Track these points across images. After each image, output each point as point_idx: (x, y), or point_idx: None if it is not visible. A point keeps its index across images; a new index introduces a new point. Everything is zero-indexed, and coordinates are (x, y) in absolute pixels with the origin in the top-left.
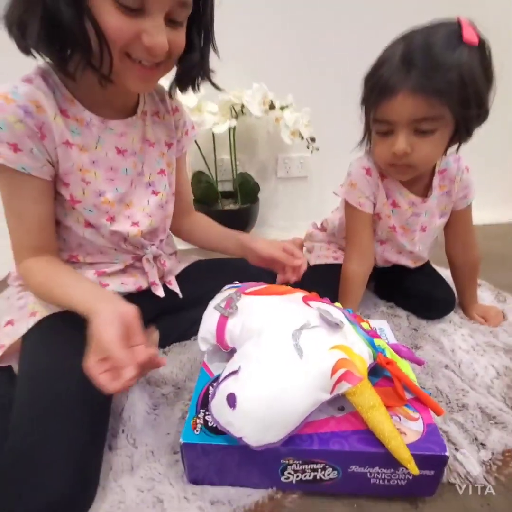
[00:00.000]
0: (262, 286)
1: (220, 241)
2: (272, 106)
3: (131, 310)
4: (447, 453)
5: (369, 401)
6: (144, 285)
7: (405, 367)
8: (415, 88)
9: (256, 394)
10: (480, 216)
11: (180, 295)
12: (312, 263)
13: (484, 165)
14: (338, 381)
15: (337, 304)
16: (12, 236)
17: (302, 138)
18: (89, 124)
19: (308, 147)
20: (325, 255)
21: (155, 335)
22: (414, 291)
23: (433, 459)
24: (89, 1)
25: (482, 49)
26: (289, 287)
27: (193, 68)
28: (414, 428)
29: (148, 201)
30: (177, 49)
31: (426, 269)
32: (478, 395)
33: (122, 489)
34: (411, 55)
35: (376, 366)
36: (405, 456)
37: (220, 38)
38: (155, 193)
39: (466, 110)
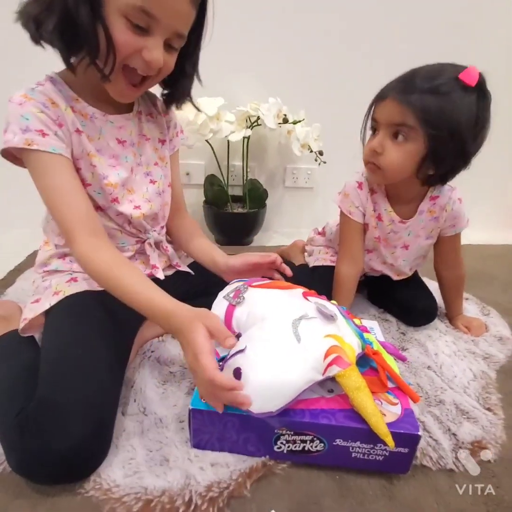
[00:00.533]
0: (267, 281)
1: (198, 253)
2: (285, 120)
3: (212, 321)
4: (419, 433)
5: (355, 383)
6: (149, 269)
7: (390, 360)
8: (397, 97)
9: (260, 369)
10: (476, 236)
11: (192, 272)
12: (311, 265)
13: (483, 191)
14: (330, 364)
15: (333, 301)
16: (60, 216)
17: (311, 151)
18: (92, 117)
19: (316, 160)
20: (323, 258)
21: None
22: (398, 300)
23: (407, 437)
24: (105, 11)
25: (479, 97)
26: (291, 284)
27: (181, 93)
28: (393, 411)
29: (146, 188)
30: (167, 70)
31: (412, 281)
32: (454, 393)
33: (133, 448)
34: (408, 76)
35: (364, 356)
36: (383, 431)
37: (244, 57)
38: (152, 182)
39: (436, 138)
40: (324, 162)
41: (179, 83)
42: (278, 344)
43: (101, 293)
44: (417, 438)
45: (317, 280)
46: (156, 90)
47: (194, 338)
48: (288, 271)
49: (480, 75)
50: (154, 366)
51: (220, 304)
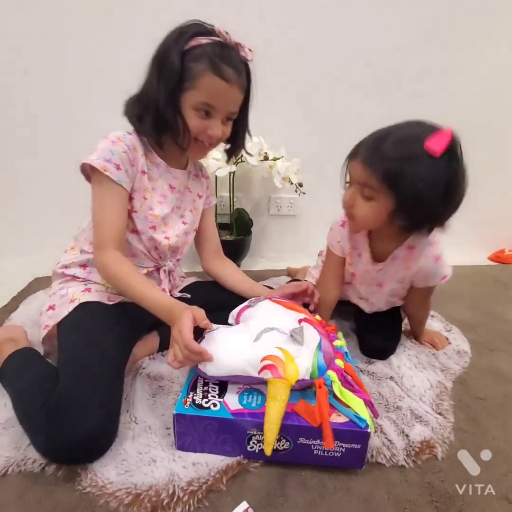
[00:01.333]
0: (286, 300)
1: (248, 294)
2: (266, 157)
3: (199, 312)
4: (369, 430)
5: (274, 393)
6: None
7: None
8: (364, 159)
9: (215, 340)
10: (449, 257)
11: (189, 296)
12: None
13: (455, 216)
14: (265, 367)
15: (317, 317)
16: (99, 231)
17: (292, 183)
18: (158, 166)
19: (296, 191)
20: (315, 277)
21: (155, 339)
22: (359, 331)
23: (358, 434)
24: (182, 108)
25: (449, 161)
26: (303, 309)
27: (238, 148)
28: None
29: (178, 226)
30: (224, 137)
31: (382, 316)
32: (411, 400)
33: (125, 451)
34: (378, 139)
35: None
36: (268, 439)
37: None
38: (184, 223)
39: (401, 200)
40: (304, 193)
41: (236, 142)
42: (238, 335)
43: (109, 306)
44: (367, 434)
45: None
46: None
47: (182, 319)
48: (316, 298)
49: (452, 139)
50: (145, 380)
51: (242, 304)
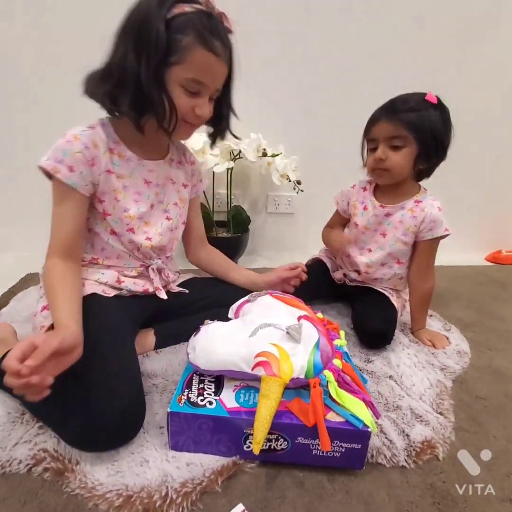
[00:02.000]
0: (287, 296)
1: (239, 281)
2: (264, 154)
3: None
4: (369, 429)
5: (267, 391)
6: (150, 289)
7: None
8: (388, 117)
9: (207, 335)
10: (445, 258)
11: (186, 291)
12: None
13: (454, 217)
14: (258, 364)
15: (319, 315)
16: (51, 236)
17: (290, 180)
18: (129, 160)
19: (294, 189)
20: (317, 254)
21: (151, 337)
22: (357, 321)
23: (358, 434)
24: (168, 86)
25: (441, 110)
26: (305, 306)
27: (223, 129)
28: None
29: (161, 223)
30: (210, 116)
31: (376, 300)
32: (411, 400)
33: (116, 451)
34: (392, 103)
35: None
36: (256, 439)
37: None
38: (168, 218)
39: (423, 139)
40: (302, 191)
41: (221, 122)
42: (233, 330)
43: (106, 298)
44: (367, 434)
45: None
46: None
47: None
48: (303, 276)
49: (437, 96)
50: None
51: (242, 299)
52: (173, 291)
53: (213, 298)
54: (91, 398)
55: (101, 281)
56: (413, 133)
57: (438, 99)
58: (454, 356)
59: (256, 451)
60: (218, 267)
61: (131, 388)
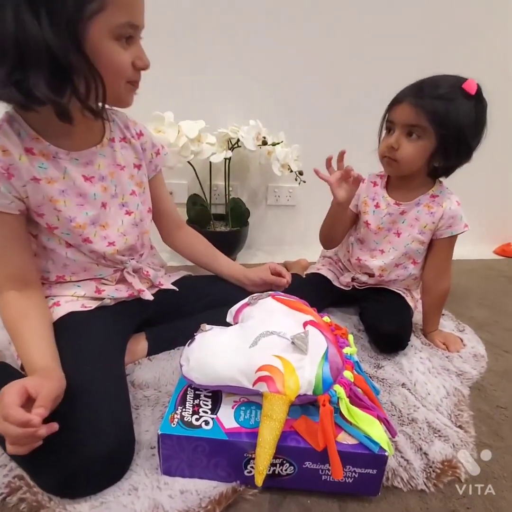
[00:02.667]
0: (292, 298)
1: (221, 272)
2: (264, 142)
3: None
4: (386, 453)
5: (271, 411)
6: (136, 292)
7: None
8: (411, 101)
9: (203, 345)
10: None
11: (176, 289)
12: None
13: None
14: (259, 379)
15: (326, 318)
16: None
17: (291, 171)
18: (56, 157)
19: (296, 179)
20: (315, 267)
21: (143, 344)
22: (370, 323)
23: (375, 458)
24: (92, 45)
25: (477, 103)
26: (311, 310)
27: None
28: None
29: (122, 221)
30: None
31: (389, 301)
32: (427, 411)
33: None
34: (420, 84)
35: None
36: (258, 468)
37: (225, 80)
38: (128, 213)
39: (445, 135)
40: (304, 182)
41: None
42: (232, 339)
43: (86, 313)
44: (384, 459)
45: (297, 284)
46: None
47: (4, 393)
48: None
49: (478, 85)
50: (129, 390)
51: (241, 301)
52: (163, 287)
53: (211, 298)
54: (71, 442)
55: (78, 294)
56: (434, 126)
57: (478, 89)
58: (470, 360)
59: (259, 482)
60: (200, 254)
61: (118, 429)
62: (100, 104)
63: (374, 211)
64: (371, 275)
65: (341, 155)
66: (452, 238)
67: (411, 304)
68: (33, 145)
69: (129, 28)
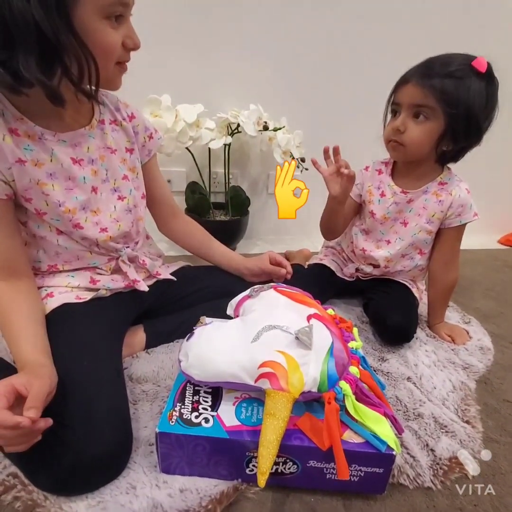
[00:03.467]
0: (295, 290)
1: (218, 260)
2: (266, 127)
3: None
4: (394, 452)
5: (273, 409)
6: (131, 283)
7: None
8: (418, 81)
9: (203, 340)
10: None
11: (174, 279)
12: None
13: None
14: (261, 376)
15: (330, 311)
16: None
17: (293, 158)
18: (42, 138)
19: (298, 167)
20: (317, 257)
21: (141, 336)
22: (376, 314)
23: (382, 457)
24: (82, 25)
25: (488, 82)
26: (315, 303)
27: None
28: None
29: (114, 206)
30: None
31: (396, 292)
32: (433, 406)
33: None
34: (427, 63)
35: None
36: (261, 468)
37: (224, 64)
38: (121, 198)
39: (454, 116)
40: (306, 169)
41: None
42: (233, 333)
43: (81, 305)
44: (391, 458)
45: (300, 274)
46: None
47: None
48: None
49: (488, 63)
50: (126, 385)
51: (242, 293)
52: (161, 278)
53: (210, 289)
54: (67, 440)
55: (73, 285)
56: (443, 106)
57: (489, 68)
58: (476, 353)
59: (262, 483)
60: (197, 243)
61: (115, 425)
62: (91, 86)
63: (379, 200)
64: (376, 266)
65: (336, 150)
66: (461, 227)
67: (416, 295)
68: (18, 126)
69: (119, 6)
